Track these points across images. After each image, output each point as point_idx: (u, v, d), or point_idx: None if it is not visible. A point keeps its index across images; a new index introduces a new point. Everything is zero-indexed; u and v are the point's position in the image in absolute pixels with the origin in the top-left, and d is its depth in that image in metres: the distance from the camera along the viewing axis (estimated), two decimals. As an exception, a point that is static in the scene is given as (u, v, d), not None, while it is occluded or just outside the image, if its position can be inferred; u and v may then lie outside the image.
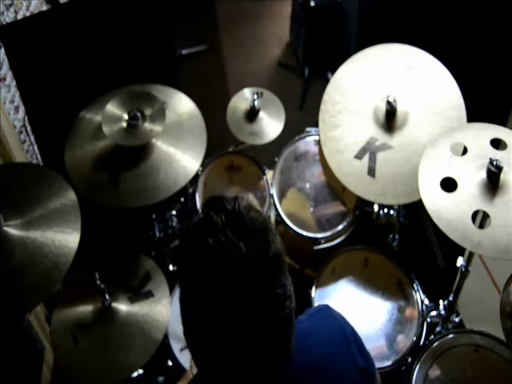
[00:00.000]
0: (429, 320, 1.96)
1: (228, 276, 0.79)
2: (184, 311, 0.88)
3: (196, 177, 2.30)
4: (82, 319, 1.82)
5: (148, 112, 1.89)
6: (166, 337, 1.97)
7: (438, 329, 2.00)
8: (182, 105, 2.08)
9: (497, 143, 1.59)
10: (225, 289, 0.80)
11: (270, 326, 0.83)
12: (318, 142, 2.27)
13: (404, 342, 1.91)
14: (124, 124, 1.86)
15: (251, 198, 0.89)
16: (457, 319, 2.00)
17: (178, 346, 2.00)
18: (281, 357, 0.89)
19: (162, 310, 1.87)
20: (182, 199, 2.47)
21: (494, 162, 1.48)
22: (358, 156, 1.90)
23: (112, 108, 1.88)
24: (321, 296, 2.02)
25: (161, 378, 2.11)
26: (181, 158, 1.94)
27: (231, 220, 0.82)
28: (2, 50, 2.12)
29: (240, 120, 2.36)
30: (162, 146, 1.94)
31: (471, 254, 1.76)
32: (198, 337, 0.87)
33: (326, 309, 1.14)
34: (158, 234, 2.37)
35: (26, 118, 2.33)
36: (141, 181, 1.87)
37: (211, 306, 0.81)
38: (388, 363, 1.85)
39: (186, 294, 0.87)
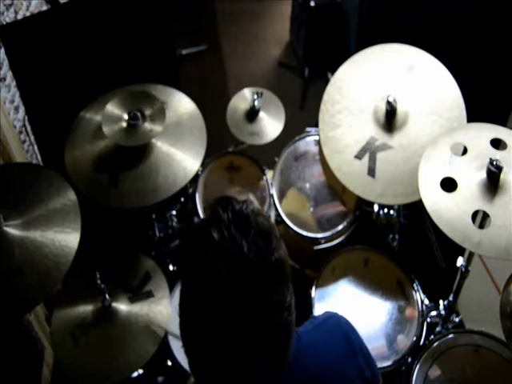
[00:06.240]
0: (429, 320, 1.96)
1: (226, 271, 0.79)
2: (181, 303, 0.88)
3: (196, 177, 2.30)
4: (82, 319, 1.82)
5: (148, 112, 1.89)
6: (165, 337, 1.97)
7: (438, 329, 2.00)
8: (182, 105, 2.08)
9: (497, 143, 1.59)
10: (221, 283, 0.80)
11: (262, 330, 0.82)
12: (318, 142, 2.27)
13: (404, 342, 1.91)
14: (124, 124, 1.86)
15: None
16: (457, 319, 2.00)
17: (177, 346, 2.00)
18: (273, 365, 0.87)
19: (162, 310, 1.87)
20: (182, 199, 2.47)
21: (494, 162, 1.48)
22: (358, 156, 1.90)
23: (112, 108, 1.88)
24: (321, 296, 2.02)
25: (161, 378, 2.11)
26: (180, 158, 1.93)
27: (237, 219, 0.84)
28: (2, 50, 2.12)
29: (240, 120, 2.36)
30: (161, 146, 1.94)
31: (471, 254, 1.76)
32: (190, 327, 0.87)
33: (333, 317, 1.11)
34: (158, 234, 2.37)
35: (26, 117, 2.33)
36: (140, 181, 1.87)
37: (205, 298, 0.82)
38: (388, 363, 1.85)
39: (183, 285, 0.87)
